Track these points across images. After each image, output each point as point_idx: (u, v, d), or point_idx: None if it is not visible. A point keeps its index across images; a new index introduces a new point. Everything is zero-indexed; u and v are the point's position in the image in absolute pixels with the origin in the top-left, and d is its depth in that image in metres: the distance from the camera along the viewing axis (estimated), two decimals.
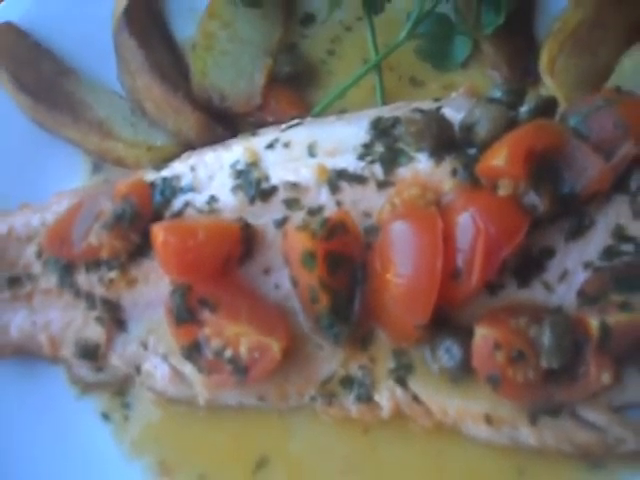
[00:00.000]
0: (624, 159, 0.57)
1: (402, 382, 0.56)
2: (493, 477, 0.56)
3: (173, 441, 0.60)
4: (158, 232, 0.56)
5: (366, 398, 0.57)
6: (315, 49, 0.76)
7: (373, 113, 0.67)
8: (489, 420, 0.55)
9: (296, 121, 0.69)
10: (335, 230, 0.55)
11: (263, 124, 0.69)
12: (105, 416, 0.61)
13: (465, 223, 0.54)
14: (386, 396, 0.57)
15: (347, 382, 0.57)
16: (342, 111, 0.70)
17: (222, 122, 0.68)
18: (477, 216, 0.55)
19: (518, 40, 0.70)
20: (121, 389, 0.62)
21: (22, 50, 0.71)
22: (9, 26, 0.73)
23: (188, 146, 0.68)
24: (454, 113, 0.65)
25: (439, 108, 0.67)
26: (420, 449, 0.56)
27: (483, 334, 0.52)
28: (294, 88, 0.72)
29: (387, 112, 0.68)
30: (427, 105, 0.71)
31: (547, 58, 0.68)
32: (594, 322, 0.52)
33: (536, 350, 0.53)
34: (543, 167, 0.57)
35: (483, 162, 0.54)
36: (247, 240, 0.59)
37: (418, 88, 0.72)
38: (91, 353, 0.60)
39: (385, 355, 0.58)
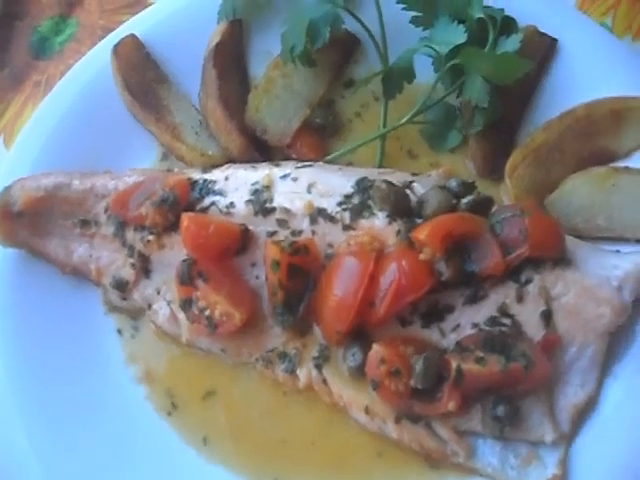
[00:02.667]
0: (517, 258, 0.77)
1: (318, 367, 0.80)
2: (359, 451, 0.79)
3: (158, 360, 0.85)
4: (185, 219, 0.81)
5: (291, 371, 0.81)
6: (347, 109, 0.97)
7: (363, 172, 0.88)
8: (367, 411, 0.78)
9: (309, 163, 0.91)
10: (299, 250, 0.79)
11: (287, 158, 0.91)
12: (119, 331, 0.87)
13: (390, 270, 0.76)
14: (305, 373, 0.80)
15: (282, 356, 0.81)
16: (349, 163, 0.93)
17: (259, 149, 0.92)
18: (399, 268, 0.77)
19: (498, 142, 0.90)
20: (134, 316, 0.87)
21: (135, 58, 0.96)
22: (132, 37, 1.00)
23: (230, 160, 0.92)
24: (420, 188, 0.87)
25: (412, 182, 0.89)
26: (318, 415, 0.80)
27: (376, 349, 0.74)
28: (319, 136, 0.93)
29: (374, 175, 0.90)
30: (404, 177, 0.93)
31: (511, 163, 0.88)
32: (454, 364, 0.74)
33: (410, 372, 0.76)
34: (457, 246, 0.78)
35: (416, 231, 0.77)
36: (244, 240, 0.83)
37: (412, 160, 0.93)
38: (121, 286, 0.87)
39: (313, 345, 0.81)
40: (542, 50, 0.92)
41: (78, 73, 0.97)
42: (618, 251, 0.81)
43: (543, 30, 0.92)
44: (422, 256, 0.75)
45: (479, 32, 0.88)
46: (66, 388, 0.83)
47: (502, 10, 0.91)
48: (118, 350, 0.85)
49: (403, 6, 0.91)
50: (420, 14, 0.91)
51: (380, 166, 0.91)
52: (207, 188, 0.87)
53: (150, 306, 0.85)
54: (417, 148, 0.93)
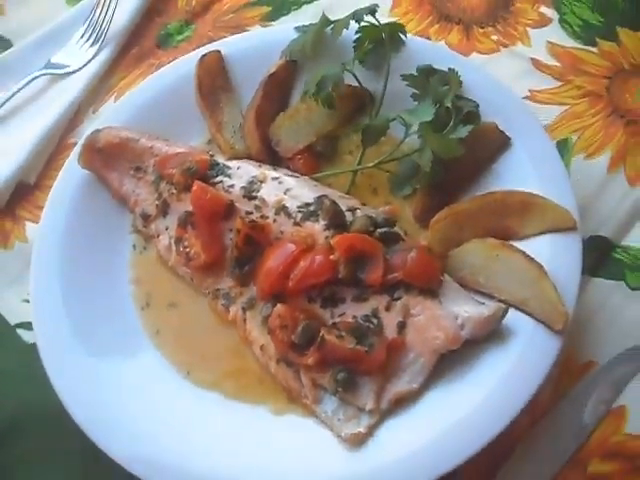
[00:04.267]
0: (393, 279, 1.06)
1: (244, 310, 1.11)
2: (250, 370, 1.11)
3: (149, 272, 1.18)
4: (196, 184, 1.18)
5: (227, 306, 1.13)
6: (345, 146, 1.31)
7: (329, 192, 1.20)
8: (262, 349, 1.09)
9: (297, 175, 1.22)
10: (256, 227, 1.13)
11: (285, 167, 1.25)
12: (134, 246, 1.20)
13: (308, 258, 1.07)
14: (234, 310, 1.13)
15: (225, 295, 1.13)
16: (329, 184, 1.23)
17: (269, 155, 1.26)
18: (313, 259, 1.08)
19: (436, 201, 1.17)
20: (146, 239, 1.21)
21: (213, 68, 1.32)
22: (217, 53, 1.37)
23: (248, 157, 1.28)
24: (360, 213, 1.19)
25: (357, 208, 1.20)
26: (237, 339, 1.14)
27: (279, 308, 1.02)
28: (315, 159, 1.25)
29: (335, 196, 1.21)
30: (354, 204, 1.23)
31: (435, 218, 1.14)
32: (322, 333, 1.06)
33: (294, 330, 1.07)
34: (356, 258, 1.07)
35: (334, 239, 1.09)
36: (228, 211, 1.18)
37: (373, 195, 1.20)
38: (145, 217, 1.21)
39: (246, 295, 1.11)
40: (496, 143, 1.21)
41: (176, 66, 1.39)
42: (483, 303, 1.09)
43: (503, 128, 1.21)
44: (332, 257, 1.08)
45: (446, 117, 1.19)
46: (91, 268, 1.20)
47: (475, 105, 1.22)
48: (127, 258, 1.23)
49: (407, 82, 1.25)
50: (418, 92, 1.24)
51: (347, 193, 1.25)
52: (222, 170, 1.24)
53: (158, 236, 1.24)
54: (381, 188, 1.22)
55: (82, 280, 1.20)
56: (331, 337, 1.03)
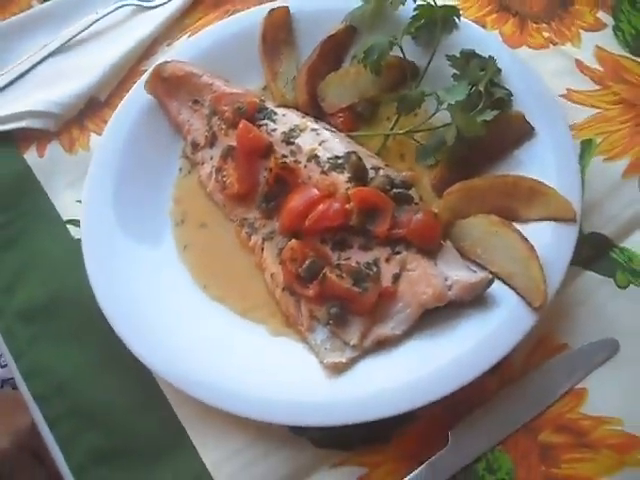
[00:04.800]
0: (396, 234, 1.16)
1: (263, 239, 1.24)
2: (258, 293, 1.28)
3: (189, 194, 1.32)
4: (242, 123, 1.31)
5: (250, 234, 1.27)
6: (384, 112, 1.43)
7: (359, 150, 1.33)
8: (272, 276, 1.24)
9: (334, 130, 1.36)
10: (286, 168, 1.27)
11: (325, 121, 1.37)
12: (180, 169, 1.32)
13: (326, 203, 1.19)
14: (254, 239, 1.25)
15: (250, 224, 1.25)
16: (361, 144, 1.37)
17: (314, 108, 1.38)
18: (330, 205, 1.22)
19: (453, 175, 1.30)
20: (192, 164, 1.34)
21: (279, 21, 1.42)
22: (285, 9, 1.47)
23: (295, 107, 1.39)
24: (382, 173, 1.31)
25: (380, 168, 1.32)
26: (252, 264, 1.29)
27: (292, 243, 1.14)
28: (354, 119, 1.35)
29: (363, 154, 1.34)
30: (379, 164, 1.35)
31: (449, 190, 1.22)
32: (325, 272, 1.20)
33: (302, 264, 1.21)
34: (368, 210, 1.19)
35: (352, 191, 1.22)
36: (267, 151, 1.29)
37: (400, 160, 1.30)
38: (195, 145, 1.36)
39: (269, 227, 1.22)
40: (520, 131, 1.31)
41: (246, 15, 1.53)
42: (475, 272, 1.21)
43: (529, 119, 1.31)
44: (347, 206, 1.21)
45: (478, 99, 1.29)
46: (140, 182, 1.35)
47: (508, 93, 1.31)
48: (173, 179, 1.38)
49: (449, 62, 1.35)
50: (458, 73, 1.35)
51: (377, 154, 1.37)
52: (269, 114, 1.37)
53: (203, 163, 1.38)
54: (408, 155, 1.33)
55: (131, 191, 1.37)
56: (332, 275, 1.17)
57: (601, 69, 1.45)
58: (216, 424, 1.15)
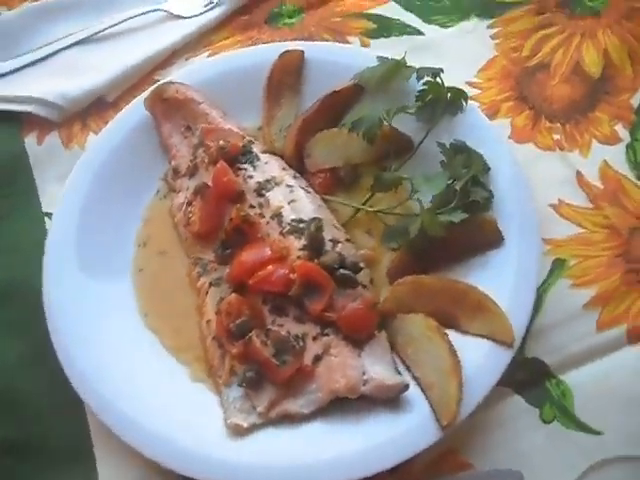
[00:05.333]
0: (327, 318, 1.18)
1: (210, 285, 1.26)
2: (191, 334, 1.31)
3: (158, 216, 1.39)
4: (220, 163, 1.33)
5: (200, 275, 1.30)
6: (365, 181, 1.37)
7: (327, 217, 1.28)
8: (207, 323, 1.27)
9: (310, 190, 1.34)
10: (247, 221, 1.27)
11: (304, 178, 1.38)
12: (157, 191, 1.38)
13: (274, 267, 1.21)
14: (203, 281, 1.28)
15: (203, 265, 1.30)
16: (334, 210, 1.36)
17: (298, 162, 1.40)
18: (277, 270, 1.21)
19: (408, 266, 1.30)
20: (169, 191, 1.40)
21: (289, 66, 1.39)
22: (299, 53, 1.42)
23: (282, 156, 1.40)
24: (339, 247, 1.30)
25: (339, 242, 1.27)
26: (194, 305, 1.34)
27: (232, 296, 1.20)
28: (334, 182, 1.35)
29: (328, 222, 1.31)
30: (340, 236, 1.30)
31: (395, 284, 1.28)
32: (251, 334, 1.22)
33: (234, 320, 1.25)
34: (309, 284, 1.18)
35: (300, 262, 1.24)
36: (237, 197, 1.32)
37: (366, 234, 1.31)
38: (176, 171, 1.36)
39: (219, 273, 1.26)
40: (489, 238, 1.27)
41: (261, 51, 1.52)
42: (399, 373, 1.20)
43: (503, 228, 1.26)
44: (291, 275, 1.23)
45: (452, 197, 1.27)
46: (116, 192, 1.39)
47: (487, 197, 1.29)
48: (148, 198, 1.41)
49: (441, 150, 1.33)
50: (445, 161, 1.33)
51: (345, 224, 1.36)
52: (251, 159, 1.38)
53: (178, 192, 1.40)
54: (375, 232, 1.31)
55: (105, 198, 1.40)
56: (257, 340, 1.19)
57: (601, 187, 1.40)
58: (122, 446, 1.19)
